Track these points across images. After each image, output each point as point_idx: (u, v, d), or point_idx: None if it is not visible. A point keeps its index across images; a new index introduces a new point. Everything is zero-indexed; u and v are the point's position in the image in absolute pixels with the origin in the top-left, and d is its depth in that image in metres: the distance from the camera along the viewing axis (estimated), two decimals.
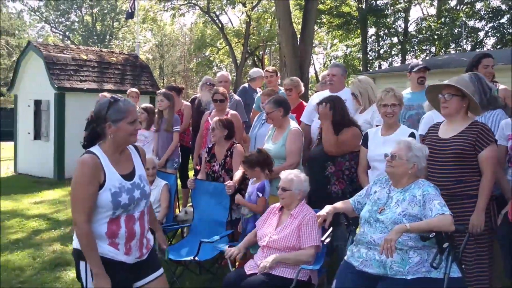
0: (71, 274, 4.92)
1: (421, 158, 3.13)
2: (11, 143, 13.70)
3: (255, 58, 33.12)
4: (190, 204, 6.49)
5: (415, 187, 3.07)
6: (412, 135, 3.70)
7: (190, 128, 6.84)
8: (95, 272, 2.50)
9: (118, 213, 2.58)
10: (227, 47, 31.68)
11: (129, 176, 2.67)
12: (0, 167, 12.82)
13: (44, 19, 40.59)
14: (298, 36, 12.80)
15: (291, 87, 5.66)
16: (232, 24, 34.91)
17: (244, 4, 28.77)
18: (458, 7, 28.64)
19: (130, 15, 17.02)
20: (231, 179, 4.68)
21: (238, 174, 4.63)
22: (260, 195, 4.22)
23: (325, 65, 37.28)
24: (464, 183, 3.32)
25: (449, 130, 3.46)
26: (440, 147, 3.42)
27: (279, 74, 6.87)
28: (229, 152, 4.85)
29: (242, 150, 4.91)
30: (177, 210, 5.92)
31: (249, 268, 3.61)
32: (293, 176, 3.74)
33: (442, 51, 27.16)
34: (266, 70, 6.65)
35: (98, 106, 2.64)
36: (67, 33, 40.29)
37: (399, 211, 2.99)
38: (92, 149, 2.62)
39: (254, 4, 28.98)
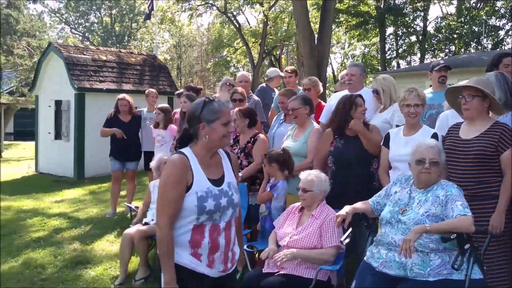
0: (91, 272, 4.99)
1: (444, 159, 3.11)
2: (32, 143, 13.93)
3: (272, 58, 33.10)
4: None
5: (438, 188, 3.04)
6: (434, 135, 3.66)
7: None
8: (166, 280, 2.38)
9: (203, 219, 2.43)
10: (244, 47, 31.73)
11: (217, 182, 2.52)
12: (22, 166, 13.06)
13: (64, 20, 41.16)
14: (316, 35, 12.75)
15: (310, 87, 5.66)
16: (249, 24, 34.98)
17: (261, 4, 28.77)
18: (478, 6, 28.23)
19: (148, 16, 17.17)
20: (249, 163, 4.79)
21: (251, 165, 4.73)
22: (268, 189, 4.26)
23: (343, 65, 37.10)
24: (485, 184, 3.29)
25: (471, 130, 3.42)
26: (461, 148, 3.38)
27: (298, 75, 6.84)
28: (252, 139, 4.90)
29: (266, 139, 4.95)
30: None
31: (267, 267, 3.62)
32: (313, 176, 3.72)
33: (462, 50, 26.81)
34: (285, 70, 6.64)
35: (193, 106, 2.55)
36: (86, 34, 40.79)
37: (422, 212, 2.97)
38: (182, 149, 2.52)
39: (271, 4, 28.97)
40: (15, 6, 19.50)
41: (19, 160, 16.43)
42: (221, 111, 2.50)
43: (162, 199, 2.41)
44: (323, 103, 5.80)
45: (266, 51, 31.30)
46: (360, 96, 4.32)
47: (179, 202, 2.40)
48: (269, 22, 29.78)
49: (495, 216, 3.22)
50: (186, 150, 2.51)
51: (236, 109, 5.07)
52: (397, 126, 4.20)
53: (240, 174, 4.70)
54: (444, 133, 3.73)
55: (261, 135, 4.97)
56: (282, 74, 7.11)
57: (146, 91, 7.92)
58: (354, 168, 4.09)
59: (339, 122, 4.24)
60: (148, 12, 16.60)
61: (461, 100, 3.43)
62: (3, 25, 18.90)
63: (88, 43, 35.92)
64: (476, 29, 26.30)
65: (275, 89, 6.99)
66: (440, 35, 28.68)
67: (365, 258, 3.19)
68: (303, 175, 3.79)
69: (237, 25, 30.66)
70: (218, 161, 2.61)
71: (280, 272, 3.46)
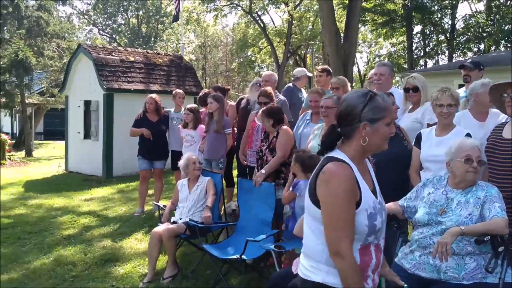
0: (120, 270, 5.07)
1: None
2: (62, 142, 14.23)
3: (297, 58, 33.01)
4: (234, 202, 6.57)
5: (477, 189, 2.97)
6: (468, 135, 3.56)
7: (235, 128, 6.91)
8: None
9: (370, 240, 2.05)
10: (269, 47, 31.73)
11: (375, 193, 2.13)
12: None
13: (92, 22, 41.93)
14: (342, 34, 12.67)
15: (338, 86, 5.62)
16: (274, 24, 34.97)
17: (286, 3, 28.72)
18: (508, 3, 27.54)
19: (176, 17, 17.37)
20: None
21: (274, 159, 4.77)
22: (291, 189, 4.25)
23: (369, 64, 36.74)
24: None
25: None
26: (501, 148, 3.32)
27: (331, 74, 6.69)
28: (277, 133, 4.90)
29: (289, 131, 4.92)
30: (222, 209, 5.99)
31: (296, 267, 3.60)
32: None
33: (492, 48, 26.21)
34: (317, 69, 6.63)
35: (351, 101, 2.11)
36: (113, 36, 41.44)
37: (466, 214, 2.90)
38: (337, 155, 2.08)
39: (296, 3, 28.89)
40: (45, 8, 19.91)
41: (49, 159, 16.80)
42: (386, 108, 2.09)
43: (338, 221, 1.96)
44: None
45: (291, 50, 31.24)
46: (392, 94, 4.27)
47: (354, 222, 2.00)
48: (294, 22, 29.71)
49: None
50: (342, 156, 2.07)
51: (260, 110, 5.08)
52: (428, 125, 4.14)
53: (263, 171, 4.71)
54: None
55: (284, 127, 4.95)
56: (309, 74, 7.07)
57: (173, 92, 7.99)
58: (395, 168, 3.97)
59: None
60: (175, 13, 16.79)
61: (505, 98, 3.35)
62: (34, 27, 19.32)
63: (115, 44, 36.45)
64: (507, 27, 25.68)
65: (302, 89, 6.96)
66: (469, 34, 28.09)
67: (396, 260, 3.14)
68: None
69: (262, 25, 30.68)
70: (365, 165, 2.20)
71: None
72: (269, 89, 5.75)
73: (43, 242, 6.09)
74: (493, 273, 2.73)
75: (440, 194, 3.09)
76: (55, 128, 28.14)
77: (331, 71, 6.70)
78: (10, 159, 15.63)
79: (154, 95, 7.55)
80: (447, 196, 3.05)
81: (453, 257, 2.80)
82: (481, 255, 2.84)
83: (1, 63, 18.51)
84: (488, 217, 2.78)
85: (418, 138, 3.90)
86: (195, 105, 7.19)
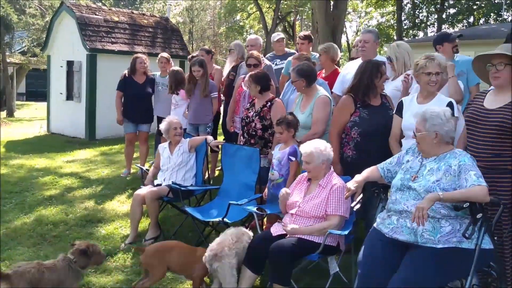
0: (102, 230, 5.08)
1: (441, 124, 2.97)
2: (44, 103, 13.99)
3: (286, 24, 32.58)
4: (219, 168, 6.57)
5: (450, 157, 2.98)
6: (450, 104, 3.56)
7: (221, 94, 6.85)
8: None
9: None
10: (258, 12, 31.21)
11: None
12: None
13: None
14: (332, 2, 12.49)
15: (321, 53, 5.61)
16: None
17: None
18: None
19: None
20: (263, 126, 4.79)
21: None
22: (293, 159, 4.20)
23: (358, 34, 36.47)
24: (503, 157, 3.20)
25: (496, 100, 3.30)
26: (483, 117, 3.29)
27: (312, 41, 6.66)
28: (268, 103, 4.83)
29: (282, 103, 4.88)
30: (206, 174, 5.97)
31: (276, 230, 3.64)
32: (312, 148, 3.64)
33: (482, 21, 26.16)
34: (298, 37, 6.56)
35: None
36: None
37: (433, 180, 2.92)
38: None
39: None
40: None
41: (31, 120, 16.56)
42: None
43: None
44: (339, 69, 5.70)
45: (280, 17, 30.77)
46: (384, 64, 4.24)
47: None
48: None
49: None
50: None
51: (248, 74, 5.01)
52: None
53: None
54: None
55: (278, 100, 4.90)
56: (275, 39, 6.97)
57: (159, 56, 7.73)
58: (380, 138, 3.97)
59: (364, 90, 4.08)
60: None
61: (491, 68, 3.31)
62: None
63: (100, 4, 35.50)
64: (497, 1, 25.58)
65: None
66: (459, 6, 27.92)
67: (374, 225, 3.18)
68: (303, 147, 3.71)
69: None
70: None
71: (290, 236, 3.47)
72: (255, 53, 5.69)
73: (24, 202, 6.04)
74: (470, 239, 2.77)
75: (417, 162, 3.12)
76: (38, 89, 27.60)
77: (312, 38, 6.65)
78: None
79: (139, 54, 7.39)
80: (422, 163, 3.09)
81: (429, 220, 2.83)
82: (457, 220, 2.87)
83: None
84: (466, 187, 2.78)
85: (400, 106, 3.89)
86: (176, 68, 7.01)
